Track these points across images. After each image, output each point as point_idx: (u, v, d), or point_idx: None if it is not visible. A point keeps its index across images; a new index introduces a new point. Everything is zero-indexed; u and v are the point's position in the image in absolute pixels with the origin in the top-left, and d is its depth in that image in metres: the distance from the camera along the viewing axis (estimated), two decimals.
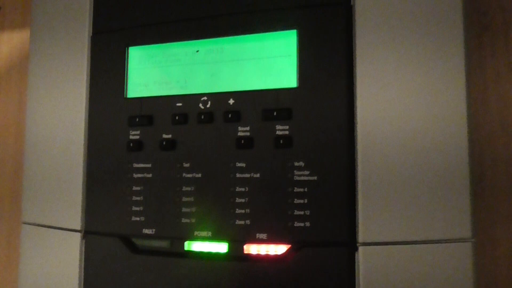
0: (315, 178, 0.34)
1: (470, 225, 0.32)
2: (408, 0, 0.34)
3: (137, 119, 0.39)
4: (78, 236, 0.40)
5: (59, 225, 0.41)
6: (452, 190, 0.32)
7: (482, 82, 0.42)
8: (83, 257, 0.40)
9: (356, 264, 0.33)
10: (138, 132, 0.39)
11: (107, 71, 0.41)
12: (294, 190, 0.34)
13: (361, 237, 0.33)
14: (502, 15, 0.42)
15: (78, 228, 0.40)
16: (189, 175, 0.37)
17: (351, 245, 0.33)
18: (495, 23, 0.42)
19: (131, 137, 0.39)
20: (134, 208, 0.38)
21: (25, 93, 0.57)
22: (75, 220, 0.40)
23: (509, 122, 0.41)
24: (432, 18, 0.34)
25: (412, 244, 0.32)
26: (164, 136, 0.38)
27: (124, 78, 0.40)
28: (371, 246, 0.33)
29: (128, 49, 0.41)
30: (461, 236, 0.32)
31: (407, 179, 0.33)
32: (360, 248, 0.33)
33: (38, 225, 0.42)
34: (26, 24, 0.59)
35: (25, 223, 0.43)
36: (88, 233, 0.40)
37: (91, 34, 0.42)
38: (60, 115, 0.42)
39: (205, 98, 0.38)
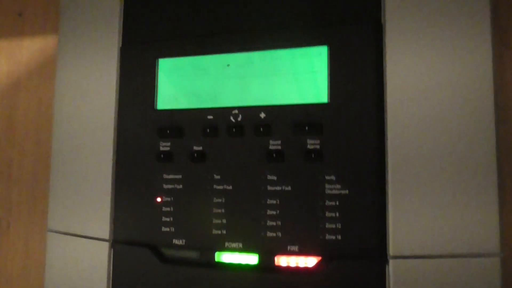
0: (347, 192, 0.35)
1: (499, 240, 0.33)
2: (438, 19, 0.35)
3: (168, 131, 0.39)
4: (106, 246, 0.40)
5: (87, 234, 0.41)
6: (481, 206, 0.33)
7: (503, 99, 0.43)
8: (111, 266, 0.40)
9: (386, 276, 0.34)
10: (168, 144, 0.40)
11: (136, 82, 0.41)
12: (326, 204, 0.35)
13: (391, 250, 0.34)
14: None
15: (107, 237, 0.40)
16: (220, 187, 0.38)
17: (382, 258, 0.34)
18: None
19: (161, 148, 0.40)
20: (164, 219, 0.39)
21: (45, 98, 0.58)
22: (104, 229, 0.40)
23: None
24: (461, 38, 0.35)
25: (441, 258, 0.33)
26: (195, 148, 0.39)
27: (153, 90, 0.41)
28: (401, 259, 0.34)
29: (158, 60, 0.41)
30: (489, 251, 0.33)
31: (437, 194, 0.34)
32: (391, 261, 0.34)
33: (65, 233, 0.42)
34: (46, 31, 0.60)
35: (51, 230, 0.44)
36: (116, 242, 0.40)
37: (120, 45, 0.43)
38: (89, 123, 0.43)
39: (236, 111, 0.38)
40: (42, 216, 0.55)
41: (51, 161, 0.45)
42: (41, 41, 0.60)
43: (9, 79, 0.60)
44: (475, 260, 0.33)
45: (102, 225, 0.41)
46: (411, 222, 0.34)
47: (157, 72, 0.41)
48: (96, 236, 0.41)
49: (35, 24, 0.61)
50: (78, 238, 0.42)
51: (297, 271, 0.36)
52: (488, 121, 0.34)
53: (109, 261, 0.40)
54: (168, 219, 0.39)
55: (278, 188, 0.36)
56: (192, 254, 0.38)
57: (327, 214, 0.35)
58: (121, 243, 0.40)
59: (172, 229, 0.38)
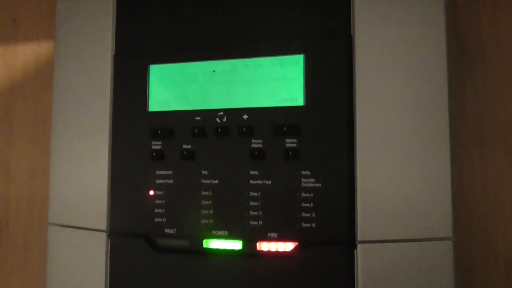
0: (320, 185, 0.39)
1: (451, 226, 0.38)
2: (399, 33, 0.40)
3: (159, 131, 0.43)
4: (104, 236, 0.44)
5: (86, 226, 0.45)
6: (437, 196, 0.38)
7: (462, 101, 0.48)
8: (108, 256, 0.44)
9: (355, 259, 0.38)
10: (160, 143, 0.44)
11: (129, 87, 0.45)
12: (302, 195, 0.40)
13: (359, 235, 0.38)
14: (480, 42, 0.48)
15: (104, 228, 0.44)
16: (207, 181, 0.42)
17: (351, 243, 0.39)
18: (473, 48, 0.48)
19: (153, 147, 0.44)
20: (157, 210, 0.43)
21: (40, 101, 0.61)
22: (101, 221, 0.44)
23: (485, 138, 0.47)
24: (419, 47, 0.40)
25: (403, 242, 0.38)
26: (184, 146, 0.43)
27: (146, 94, 0.45)
28: (368, 244, 0.38)
29: (149, 67, 0.45)
30: (443, 235, 0.38)
31: (399, 186, 0.38)
32: (359, 246, 0.38)
33: (65, 225, 0.46)
34: (40, 36, 0.63)
35: (51, 224, 0.47)
36: (113, 233, 0.44)
37: (114, 53, 0.46)
38: (86, 124, 0.46)
39: (221, 113, 0.42)
40: (40, 212, 0.59)
41: (50, 159, 0.48)
42: (35, 47, 0.63)
43: (5, 83, 0.63)
44: (431, 243, 0.38)
45: (100, 217, 0.44)
46: (377, 211, 0.38)
47: (149, 77, 0.45)
48: (94, 227, 0.45)
49: (29, 30, 0.64)
50: (78, 230, 0.45)
51: (276, 255, 0.40)
52: (443, 124, 0.39)
53: (106, 251, 0.44)
54: (160, 211, 0.43)
55: (260, 182, 0.41)
56: (183, 242, 0.42)
57: (303, 204, 0.40)
58: (117, 233, 0.44)
59: (164, 219, 0.43)
